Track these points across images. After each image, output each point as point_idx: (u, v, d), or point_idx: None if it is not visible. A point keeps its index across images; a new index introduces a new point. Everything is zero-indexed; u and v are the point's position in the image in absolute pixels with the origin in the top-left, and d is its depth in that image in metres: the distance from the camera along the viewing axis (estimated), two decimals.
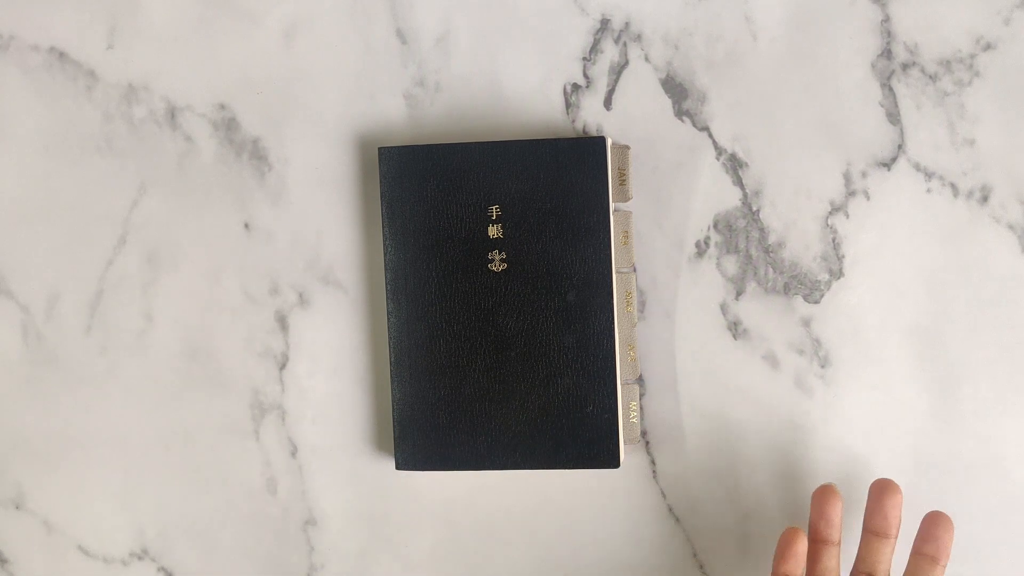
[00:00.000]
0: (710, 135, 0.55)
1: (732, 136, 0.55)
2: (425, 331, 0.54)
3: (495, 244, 0.54)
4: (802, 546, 0.50)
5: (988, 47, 0.54)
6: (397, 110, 0.56)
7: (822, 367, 0.55)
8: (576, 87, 0.56)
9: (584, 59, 0.56)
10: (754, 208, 0.55)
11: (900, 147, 0.54)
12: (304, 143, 0.57)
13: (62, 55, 0.58)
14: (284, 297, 0.57)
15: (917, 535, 0.51)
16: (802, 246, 0.55)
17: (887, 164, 0.55)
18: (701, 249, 0.55)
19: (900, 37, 0.54)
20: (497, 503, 0.57)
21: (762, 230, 0.55)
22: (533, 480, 0.57)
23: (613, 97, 0.56)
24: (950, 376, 0.55)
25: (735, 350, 0.56)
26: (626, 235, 0.55)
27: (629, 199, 0.55)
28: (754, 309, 0.55)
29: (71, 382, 0.58)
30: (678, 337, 0.56)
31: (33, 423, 0.59)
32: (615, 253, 0.54)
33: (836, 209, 0.55)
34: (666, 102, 0.55)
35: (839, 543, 0.51)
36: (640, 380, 0.56)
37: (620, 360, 0.54)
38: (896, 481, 0.52)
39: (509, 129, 0.56)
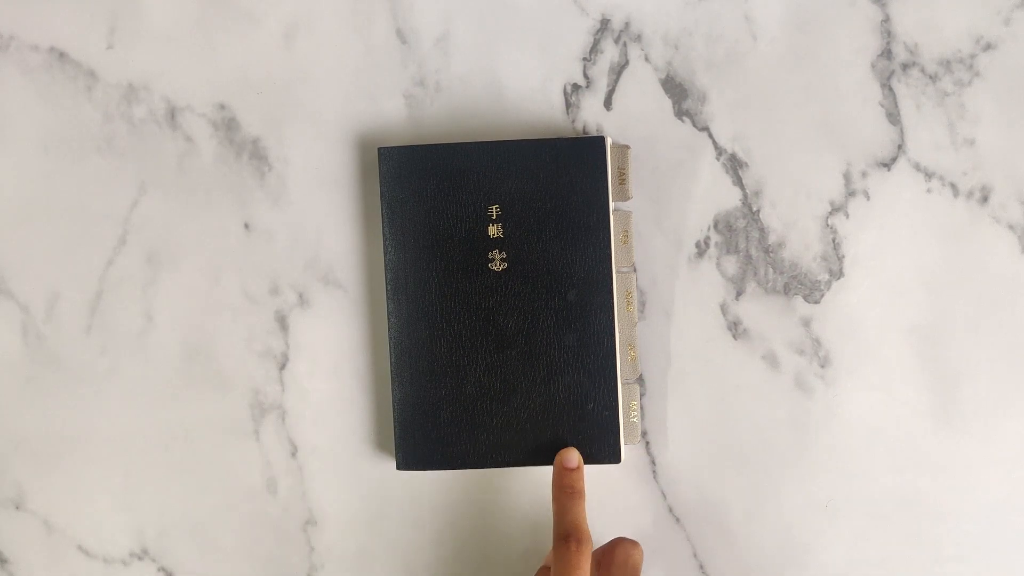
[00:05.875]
0: (710, 135, 0.55)
1: (732, 136, 0.55)
2: (425, 331, 0.54)
3: (495, 244, 0.54)
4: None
5: (988, 47, 0.54)
6: (397, 110, 0.56)
7: (822, 367, 0.55)
8: (576, 87, 0.56)
9: (584, 59, 0.56)
10: (754, 208, 0.55)
11: (900, 147, 0.54)
12: (304, 143, 0.57)
13: (62, 55, 0.58)
14: (284, 297, 0.57)
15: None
16: (802, 246, 0.55)
17: (887, 164, 0.55)
18: (701, 249, 0.56)
19: (900, 37, 0.54)
20: (498, 502, 0.57)
21: (762, 230, 0.55)
22: (534, 479, 0.57)
23: (613, 97, 0.56)
24: (950, 376, 0.55)
25: (735, 350, 0.56)
26: (626, 235, 0.55)
27: (629, 199, 0.55)
28: (754, 309, 0.55)
29: (71, 382, 0.58)
30: (678, 337, 0.56)
31: (33, 423, 0.59)
32: (615, 253, 0.54)
33: (836, 209, 0.55)
34: (666, 102, 0.55)
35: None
36: (640, 380, 0.56)
37: (620, 360, 0.54)
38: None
39: (509, 129, 0.56)
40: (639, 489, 0.56)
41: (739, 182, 0.55)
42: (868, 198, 0.55)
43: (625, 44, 0.55)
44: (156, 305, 0.58)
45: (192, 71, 0.57)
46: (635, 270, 0.56)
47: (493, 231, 0.54)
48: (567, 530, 0.50)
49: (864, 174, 0.55)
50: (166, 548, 0.58)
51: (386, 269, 0.55)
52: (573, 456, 0.53)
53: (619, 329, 0.54)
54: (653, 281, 0.56)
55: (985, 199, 0.54)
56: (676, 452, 0.56)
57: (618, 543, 0.52)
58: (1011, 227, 0.54)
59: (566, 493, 0.52)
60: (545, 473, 0.56)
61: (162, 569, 0.58)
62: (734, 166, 0.55)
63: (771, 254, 0.55)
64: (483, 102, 0.56)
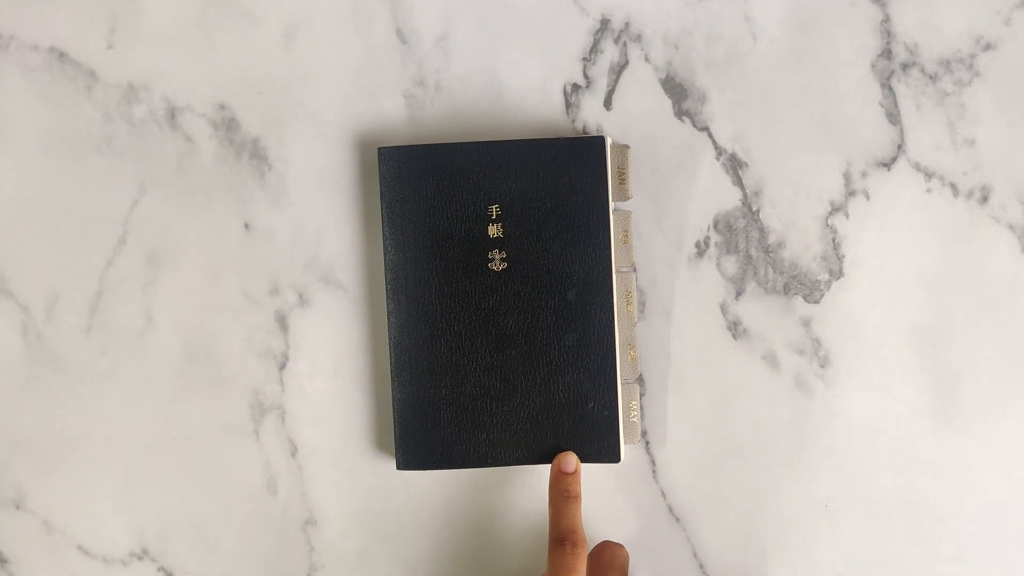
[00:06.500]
0: (710, 135, 0.55)
1: (732, 136, 0.55)
2: (425, 331, 0.54)
3: (495, 243, 0.54)
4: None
5: (988, 47, 0.54)
6: (397, 110, 0.56)
7: (822, 367, 0.55)
8: (576, 87, 0.56)
9: (584, 59, 0.56)
10: (754, 208, 0.55)
11: (900, 147, 0.54)
12: (304, 143, 0.57)
13: (62, 55, 0.58)
14: (284, 297, 0.57)
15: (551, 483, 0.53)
16: (802, 246, 0.55)
17: (887, 164, 0.55)
18: (701, 249, 0.56)
19: (900, 37, 0.54)
20: (498, 502, 0.57)
21: (762, 230, 0.55)
22: (534, 479, 0.57)
23: (613, 97, 0.56)
24: (950, 376, 0.55)
25: (735, 350, 0.56)
26: (626, 234, 0.55)
27: (629, 199, 0.55)
28: (754, 309, 0.55)
29: (71, 382, 0.58)
30: (678, 337, 0.56)
31: (33, 423, 0.59)
32: (615, 252, 0.54)
33: (836, 209, 0.55)
34: (666, 102, 0.55)
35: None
36: (640, 380, 0.56)
37: (620, 359, 0.54)
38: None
39: (509, 129, 0.56)
40: (639, 489, 0.56)
41: (739, 182, 0.55)
42: (868, 198, 0.55)
43: (625, 44, 0.55)
44: (156, 305, 0.58)
45: (192, 71, 0.57)
46: (635, 270, 0.56)
47: (493, 231, 0.54)
48: (563, 533, 0.50)
49: (864, 174, 0.55)
50: (166, 548, 0.58)
51: (386, 269, 0.55)
52: (571, 460, 0.53)
53: (619, 329, 0.54)
54: (653, 281, 0.56)
55: (985, 199, 0.54)
56: (676, 452, 0.56)
57: (605, 546, 0.52)
58: (1011, 227, 0.54)
59: (563, 497, 0.52)
60: (546, 472, 0.56)
61: (162, 569, 0.58)
62: (734, 166, 0.55)
63: (771, 254, 0.55)
64: (483, 102, 0.56)
